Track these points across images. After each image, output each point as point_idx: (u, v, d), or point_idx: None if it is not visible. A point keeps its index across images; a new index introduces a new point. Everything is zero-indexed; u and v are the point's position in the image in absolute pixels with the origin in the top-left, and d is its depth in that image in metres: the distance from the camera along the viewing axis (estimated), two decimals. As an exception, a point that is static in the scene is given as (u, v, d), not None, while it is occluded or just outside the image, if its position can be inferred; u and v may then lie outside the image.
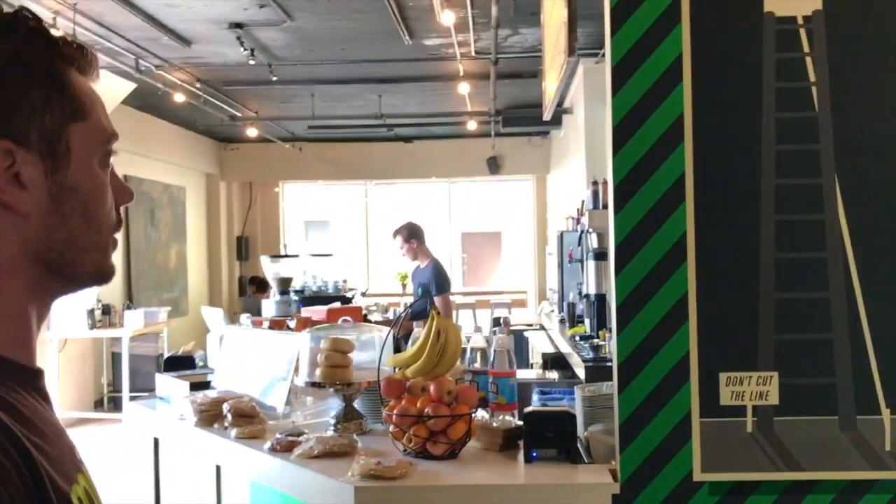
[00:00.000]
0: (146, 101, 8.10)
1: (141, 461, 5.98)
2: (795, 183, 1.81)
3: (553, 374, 4.56)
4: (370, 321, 4.75)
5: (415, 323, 3.22)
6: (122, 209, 0.83)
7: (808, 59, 1.80)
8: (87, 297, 7.10)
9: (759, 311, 1.81)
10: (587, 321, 5.05)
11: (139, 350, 7.73)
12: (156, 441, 2.98)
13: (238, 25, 5.78)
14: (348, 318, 2.53)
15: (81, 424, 7.48)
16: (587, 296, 4.97)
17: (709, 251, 1.82)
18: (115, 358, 7.96)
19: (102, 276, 0.81)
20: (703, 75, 1.82)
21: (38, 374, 0.77)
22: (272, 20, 5.70)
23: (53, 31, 0.77)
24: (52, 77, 0.74)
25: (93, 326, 7.18)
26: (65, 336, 7.19)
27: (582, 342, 4.53)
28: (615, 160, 1.87)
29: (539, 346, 6.22)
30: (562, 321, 6.10)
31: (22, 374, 0.74)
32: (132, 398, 6.87)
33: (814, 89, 1.80)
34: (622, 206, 1.86)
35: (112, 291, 8.34)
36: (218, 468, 3.39)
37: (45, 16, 5.24)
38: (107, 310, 7.44)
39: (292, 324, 2.88)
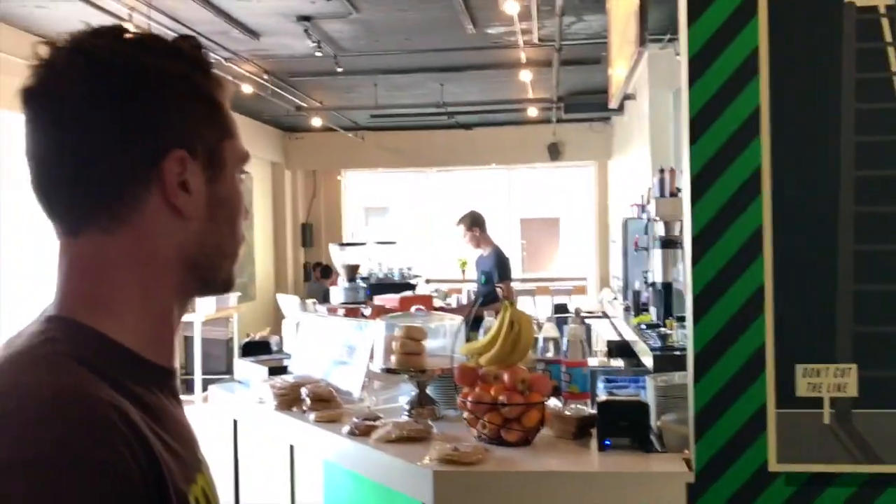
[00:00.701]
0: (215, 92, 8.28)
1: (214, 441, 6.18)
2: (876, 175, 1.80)
3: (618, 362, 4.56)
4: (435, 308, 4.81)
5: (484, 311, 3.26)
6: None
7: (891, 49, 1.78)
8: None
9: (837, 303, 1.81)
10: (653, 310, 5.02)
11: (210, 334, 7.95)
12: (235, 423, 3.09)
13: (306, 18, 5.89)
14: (421, 306, 2.59)
15: (155, 406, 7.75)
16: (653, 284, 4.94)
17: (786, 243, 1.82)
18: (188, 341, 8.21)
19: (230, 284, 0.87)
20: (780, 67, 1.82)
21: (172, 373, 0.82)
22: (339, 12, 5.79)
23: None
24: (211, 97, 0.81)
25: (166, 311, 7.41)
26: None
27: (648, 331, 4.51)
28: (692, 152, 1.88)
29: (602, 333, 6.21)
30: (626, 309, 6.07)
31: (158, 373, 0.79)
32: (204, 381, 7.10)
33: (896, 80, 1.79)
34: (699, 198, 1.87)
35: (183, 278, 8.59)
36: (291, 449, 3.50)
37: (121, 12, 5.42)
38: (179, 295, 7.67)
39: (367, 311, 2.96)
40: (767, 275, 1.83)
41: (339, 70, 7.13)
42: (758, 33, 1.83)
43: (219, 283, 0.85)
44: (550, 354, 2.34)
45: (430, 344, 2.46)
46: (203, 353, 7.40)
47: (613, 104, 4.11)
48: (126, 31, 0.79)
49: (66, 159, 0.75)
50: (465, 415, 2.16)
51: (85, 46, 0.76)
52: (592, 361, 5.00)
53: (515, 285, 13.08)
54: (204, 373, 7.24)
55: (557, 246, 19.18)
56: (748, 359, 1.85)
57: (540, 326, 2.46)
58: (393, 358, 2.40)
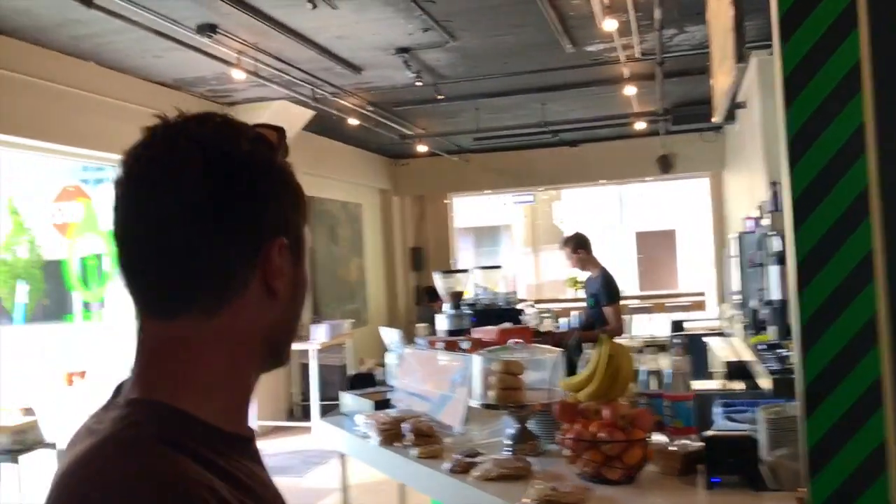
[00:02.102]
0: (323, 125, 8.54)
1: (323, 472, 6.30)
2: None
3: (737, 385, 4.36)
4: (540, 332, 4.76)
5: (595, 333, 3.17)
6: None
7: None
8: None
9: (962, 330, 1.67)
10: (771, 328, 4.80)
11: (325, 361, 8.15)
12: (342, 456, 3.15)
13: (404, 50, 5.98)
14: (519, 339, 2.57)
15: (275, 433, 7.99)
16: (770, 302, 4.73)
17: (900, 267, 1.70)
18: (304, 369, 8.44)
19: (288, 359, 0.90)
20: (884, 82, 1.70)
21: (251, 439, 0.85)
22: (436, 42, 5.86)
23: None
24: (297, 185, 0.86)
25: (283, 340, 7.63)
26: (258, 350, 7.70)
27: (766, 352, 4.31)
28: (792, 173, 1.79)
29: (720, 353, 5.98)
30: (745, 327, 5.83)
31: (240, 442, 0.81)
32: (322, 407, 7.27)
33: None
34: (802, 222, 1.77)
35: (299, 306, 8.85)
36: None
37: (230, 56, 5.68)
38: (295, 324, 7.88)
39: (465, 345, 2.96)
40: (880, 300, 1.71)
41: (440, 97, 7.20)
42: (859, 47, 1.73)
43: (285, 356, 0.88)
44: (653, 388, 2.27)
45: (530, 377, 2.43)
46: (319, 380, 7.58)
47: (717, 118, 3.97)
48: (228, 119, 0.82)
49: (178, 245, 0.77)
50: (566, 452, 2.11)
51: (194, 136, 0.78)
52: (710, 384, 4.83)
53: (632, 303, 12.83)
54: (321, 399, 7.42)
55: (675, 259, 18.67)
56: (863, 392, 1.73)
57: (640, 352, 2.39)
58: (491, 393, 2.39)
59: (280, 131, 0.85)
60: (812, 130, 1.77)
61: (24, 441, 4.29)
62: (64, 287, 7.58)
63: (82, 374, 5.55)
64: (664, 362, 2.32)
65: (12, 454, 4.35)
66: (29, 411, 4.52)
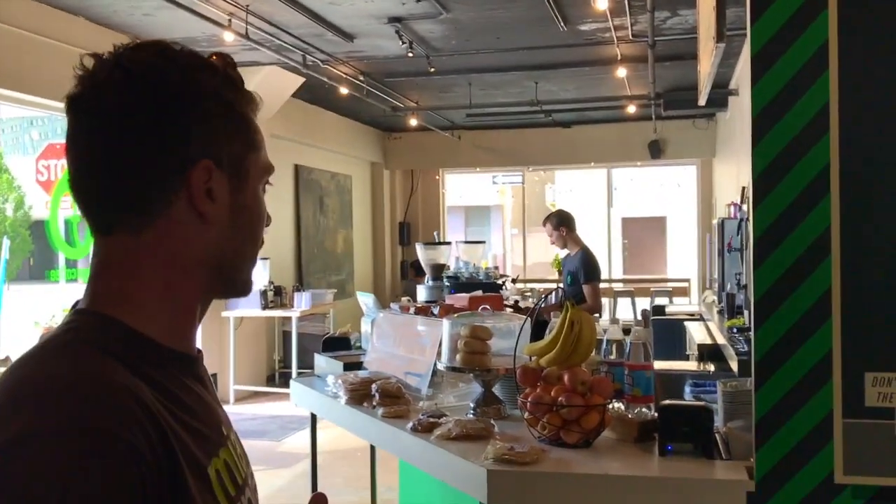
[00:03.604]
0: (314, 94, 8.52)
1: (300, 434, 6.36)
2: (954, 174, 1.70)
3: (710, 367, 4.44)
4: (521, 308, 4.80)
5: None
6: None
7: (971, 41, 1.68)
8: (260, 279, 7.60)
9: (910, 309, 1.71)
10: (746, 313, 4.87)
11: (307, 329, 8.19)
12: (313, 416, 3.19)
13: (397, 19, 5.97)
14: (487, 306, 2.61)
15: (254, 398, 8.05)
16: (745, 286, 4.79)
17: (854, 245, 1.75)
18: (286, 336, 8.48)
19: (249, 285, 0.93)
20: (851, 63, 1.74)
21: (195, 359, 0.89)
22: (429, 13, 5.85)
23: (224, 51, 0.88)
24: (241, 114, 0.88)
25: (266, 306, 7.67)
26: (241, 314, 7.74)
27: (738, 335, 4.38)
28: (755, 152, 1.83)
29: (697, 336, 6.06)
30: (720, 312, 5.90)
31: (180, 360, 0.86)
32: (299, 374, 7.32)
33: (977, 73, 1.68)
34: (762, 199, 1.81)
35: (283, 274, 8.88)
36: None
37: (221, 18, 5.66)
38: (278, 291, 7.92)
39: (436, 310, 3.00)
40: (835, 277, 1.76)
41: (432, 70, 7.20)
42: (828, 27, 1.76)
43: (238, 284, 0.92)
44: (613, 357, 2.32)
45: (497, 344, 2.47)
46: (300, 348, 7.62)
47: (701, 101, 4.00)
48: (167, 46, 0.85)
49: (102, 164, 0.82)
50: (526, 415, 2.16)
51: (124, 61, 0.82)
52: (685, 365, 4.89)
53: (615, 286, 12.94)
54: (300, 367, 7.46)
55: (664, 246, 18.74)
56: (813, 366, 1.78)
57: (605, 329, 2.44)
58: (458, 356, 2.43)
59: (224, 57, 0.88)
60: (777, 109, 1.80)
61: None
62: (50, 247, 7.56)
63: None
64: (627, 334, 2.37)
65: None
66: (4, 362, 4.56)
